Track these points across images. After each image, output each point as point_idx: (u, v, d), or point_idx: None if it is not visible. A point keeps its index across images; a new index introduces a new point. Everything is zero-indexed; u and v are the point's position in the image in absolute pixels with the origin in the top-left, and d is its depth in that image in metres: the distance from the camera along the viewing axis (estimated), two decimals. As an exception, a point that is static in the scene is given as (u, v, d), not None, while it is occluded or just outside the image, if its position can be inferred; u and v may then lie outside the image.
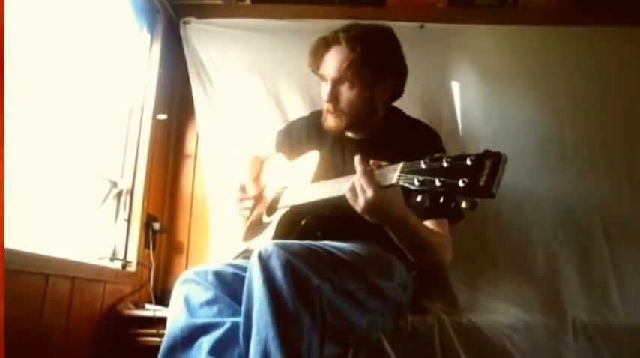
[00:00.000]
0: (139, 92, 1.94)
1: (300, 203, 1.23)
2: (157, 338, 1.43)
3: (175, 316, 1.13)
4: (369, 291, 1.14)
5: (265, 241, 1.19)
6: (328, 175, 1.25)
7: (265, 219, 1.39)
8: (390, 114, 1.40)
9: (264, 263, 0.98)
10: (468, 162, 0.78)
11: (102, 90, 1.73)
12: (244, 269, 1.06)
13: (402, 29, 1.39)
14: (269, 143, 1.62)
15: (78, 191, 1.61)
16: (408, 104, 1.47)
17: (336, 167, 1.34)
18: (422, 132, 1.40)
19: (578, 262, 1.75)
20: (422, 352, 1.38)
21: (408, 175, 0.88)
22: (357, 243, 1.19)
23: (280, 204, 1.32)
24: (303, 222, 1.26)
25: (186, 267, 1.92)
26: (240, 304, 1.02)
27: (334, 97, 1.31)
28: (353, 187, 1.01)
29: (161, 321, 1.45)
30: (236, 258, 1.37)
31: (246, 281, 1.01)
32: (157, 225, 1.89)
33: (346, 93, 1.30)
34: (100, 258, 1.68)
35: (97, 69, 1.70)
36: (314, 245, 1.08)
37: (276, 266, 0.97)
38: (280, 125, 1.72)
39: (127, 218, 1.81)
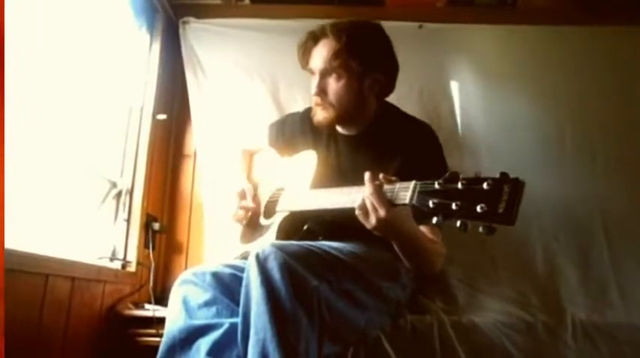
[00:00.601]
0: (138, 92, 1.94)
1: (303, 210, 1.22)
2: (157, 338, 1.42)
3: (174, 317, 1.13)
4: (368, 290, 1.14)
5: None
6: (326, 178, 1.25)
7: (263, 221, 1.38)
8: (384, 111, 1.38)
9: (261, 264, 0.98)
10: (485, 187, 0.77)
11: (101, 90, 1.73)
12: (242, 270, 1.06)
13: (401, 29, 1.40)
14: (262, 137, 1.60)
15: (77, 191, 1.61)
16: (407, 103, 1.48)
17: (332, 165, 1.34)
18: (417, 128, 1.38)
19: (578, 261, 1.75)
20: (421, 351, 1.37)
21: (421, 196, 0.86)
22: (357, 243, 1.19)
23: (279, 207, 1.31)
24: (305, 227, 1.25)
25: (186, 267, 1.92)
26: (238, 305, 1.02)
27: (321, 89, 1.31)
28: (363, 205, 1.00)
29: (161, 321, 1.45)
30: (235, 259, 1.36)
31: (243, 283, 1.01)
32: (156, 225, 1.89)
33: (333, 84, 1.29)
34: (100, 258, 1.68)
35: (97, 69, 1.70)
36: (312, 245, 1.08)
37: (273, 267, 0.97)
38: (278, 125, 1.71)
39: (126, 218, 1.81)
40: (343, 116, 1.33)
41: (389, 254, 1.21)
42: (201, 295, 1.14)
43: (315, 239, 1.24)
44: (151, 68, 1.99)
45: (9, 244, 1.06)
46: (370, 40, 1.31)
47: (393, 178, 0.99)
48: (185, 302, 1.14)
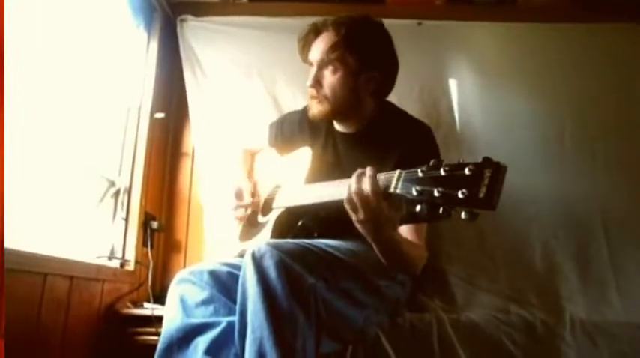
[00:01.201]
0: (136, 90, 1.93)
1: (295, 205, 1.22)
2: (156, 337, 1.42)
3: (171, 316, 1.13)
4: (365, 288, 1.14)
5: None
6: (321, 173, 1.24)
7: (261, 219, 1.38)
8: (383, 109, 1.38)
9: (257, 262, 0.98)
10: (467, 172, 0.75)
11: (99, 89, 1.73)
12: (239, 268, 1.05)
13: (400, 26, 1.40)
14: (261, 136, 1.60)
15: (76, 190, 1.61)
16: (406, 101, 1.48)
17: (329, 162, 1.34)
18: (415, 128, 1.37)
19: (577, 259, 1.75)
20: (420, 349, 1.38)
21: (405, 184, 0.86)
22: (355, 241, 1.19)
23: (275, 204, 1.31)
24: (299, 223, 1.25)
25: (185, 266, 1.92)
26: (235, 303, 1.02)
27: (317, 81, 1.30)
28: (350, 198, 0.97)
29: (159, 320, 1.43)
30: (233, 257, 1.36)
31: (240, 281, 1.01)
32: (154, 224, 1.89)
33: (329, 77, 1.28)
34: (98, 257, 1.68)
35: (95, 67, 1.70)
36: (308, 243, 1.08)
37: (269, 265, 0.97)
38: (277, 123, 1.71)
39: (124, 216, 1.81)
40: (338, 110, 1.31)
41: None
42: (198, 294, 1.14)
43: (310, 235, 1.23)
44: (149, 67, 1.99)
45: (7, 243, 1.06)
46: (369, 36, 1.30)
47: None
48: (182, 301, 1.14)
